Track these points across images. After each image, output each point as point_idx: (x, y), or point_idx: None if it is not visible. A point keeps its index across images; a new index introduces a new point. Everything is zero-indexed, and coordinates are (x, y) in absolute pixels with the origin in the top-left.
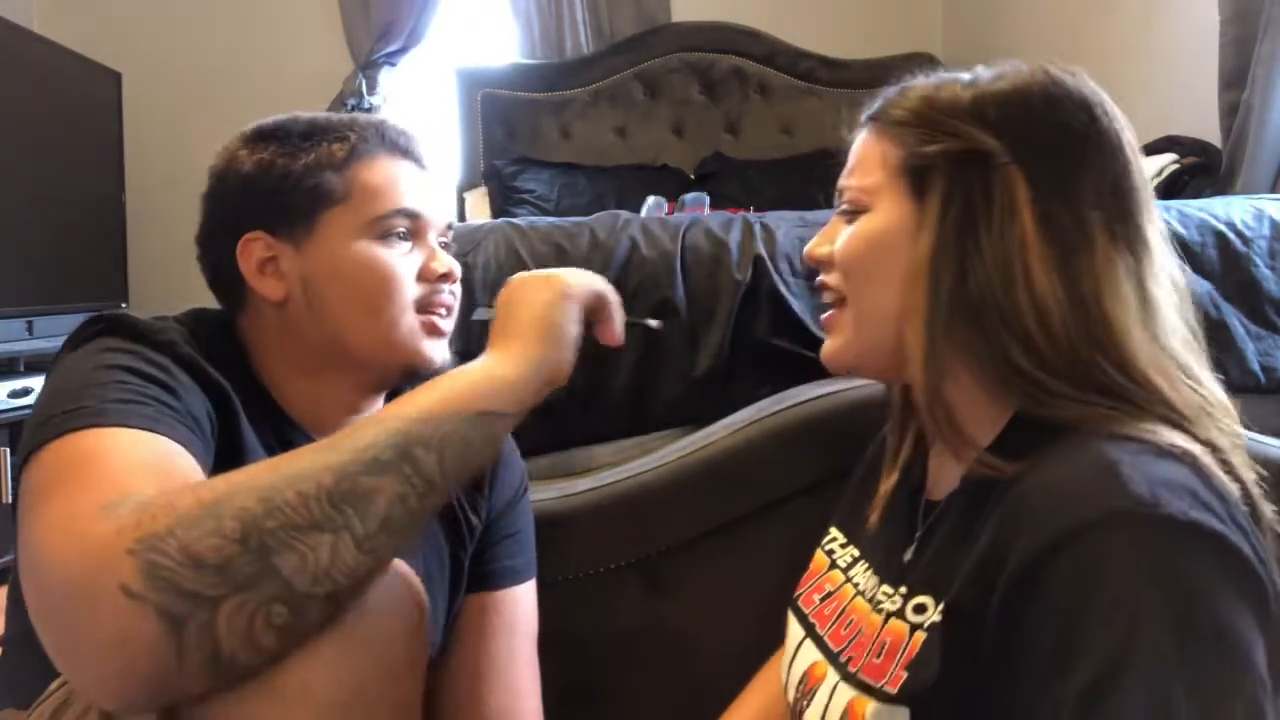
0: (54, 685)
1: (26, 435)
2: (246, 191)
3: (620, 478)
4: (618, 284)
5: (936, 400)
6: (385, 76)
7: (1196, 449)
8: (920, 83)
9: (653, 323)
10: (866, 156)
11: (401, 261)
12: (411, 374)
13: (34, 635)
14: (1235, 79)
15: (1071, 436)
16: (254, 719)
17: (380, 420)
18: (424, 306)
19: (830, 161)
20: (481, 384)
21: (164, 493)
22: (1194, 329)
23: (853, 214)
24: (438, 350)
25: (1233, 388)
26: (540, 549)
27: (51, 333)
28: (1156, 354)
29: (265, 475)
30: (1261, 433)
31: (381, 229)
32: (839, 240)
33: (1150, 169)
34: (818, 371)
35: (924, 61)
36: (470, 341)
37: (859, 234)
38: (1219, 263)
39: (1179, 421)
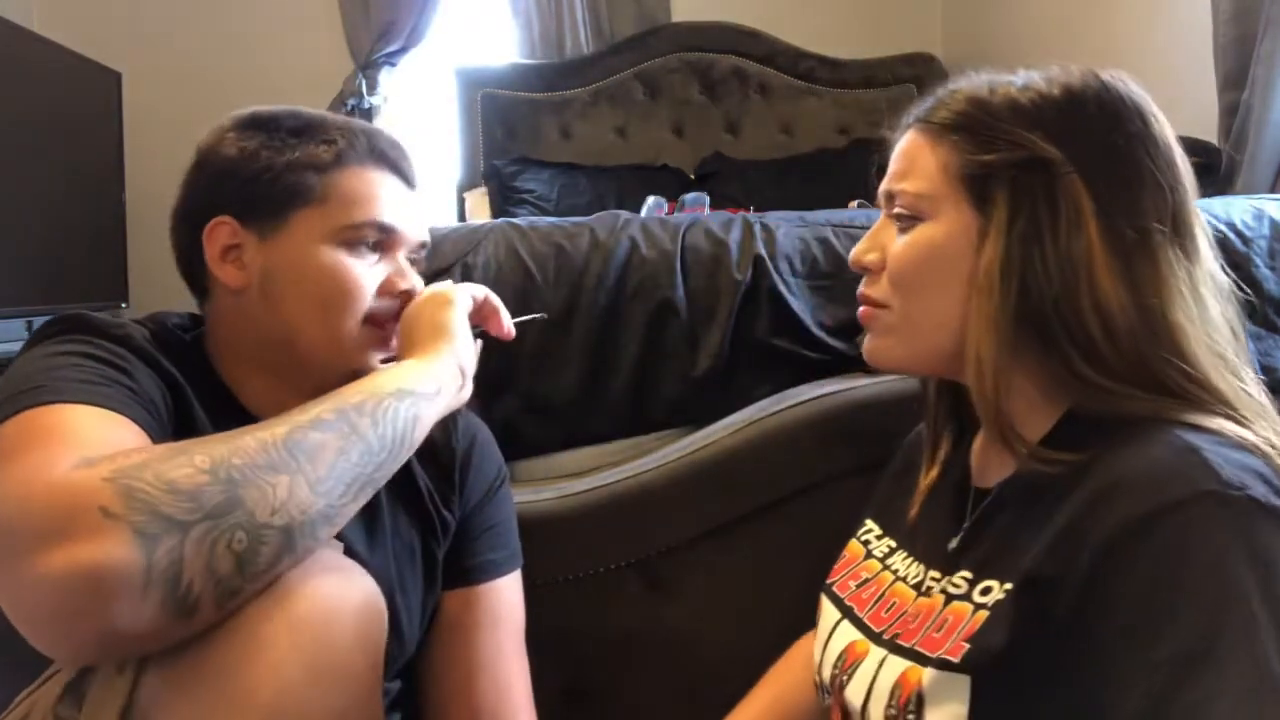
0: (20, 698)
1: None
2: (225, 176)
3: (620, 478)
4: (618, 283)
5: (994, 403)
6: (385, 76)
7: (1260, 442)
8: (969, 86)
9: (535, 316)
10: (919, 161)
11: (365, 272)
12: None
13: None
14: (1235, 79)
15: (1144, 425)
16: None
17: (321, 399)
18: (376, 320)
19: (871, 156)
20: (402, 372)
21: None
22: (1235, 329)
23: (909, 220)
24: (382, 363)
25: None
26: (540, 549)
27: None
28: (1213, 357)
29: (227, 434)
30: None
31: (350, 237)
32: (894, 248)
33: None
34: (818, 371)
35: (924, 61)
36: None
37: (918, 243)
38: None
39: (1240, 420)
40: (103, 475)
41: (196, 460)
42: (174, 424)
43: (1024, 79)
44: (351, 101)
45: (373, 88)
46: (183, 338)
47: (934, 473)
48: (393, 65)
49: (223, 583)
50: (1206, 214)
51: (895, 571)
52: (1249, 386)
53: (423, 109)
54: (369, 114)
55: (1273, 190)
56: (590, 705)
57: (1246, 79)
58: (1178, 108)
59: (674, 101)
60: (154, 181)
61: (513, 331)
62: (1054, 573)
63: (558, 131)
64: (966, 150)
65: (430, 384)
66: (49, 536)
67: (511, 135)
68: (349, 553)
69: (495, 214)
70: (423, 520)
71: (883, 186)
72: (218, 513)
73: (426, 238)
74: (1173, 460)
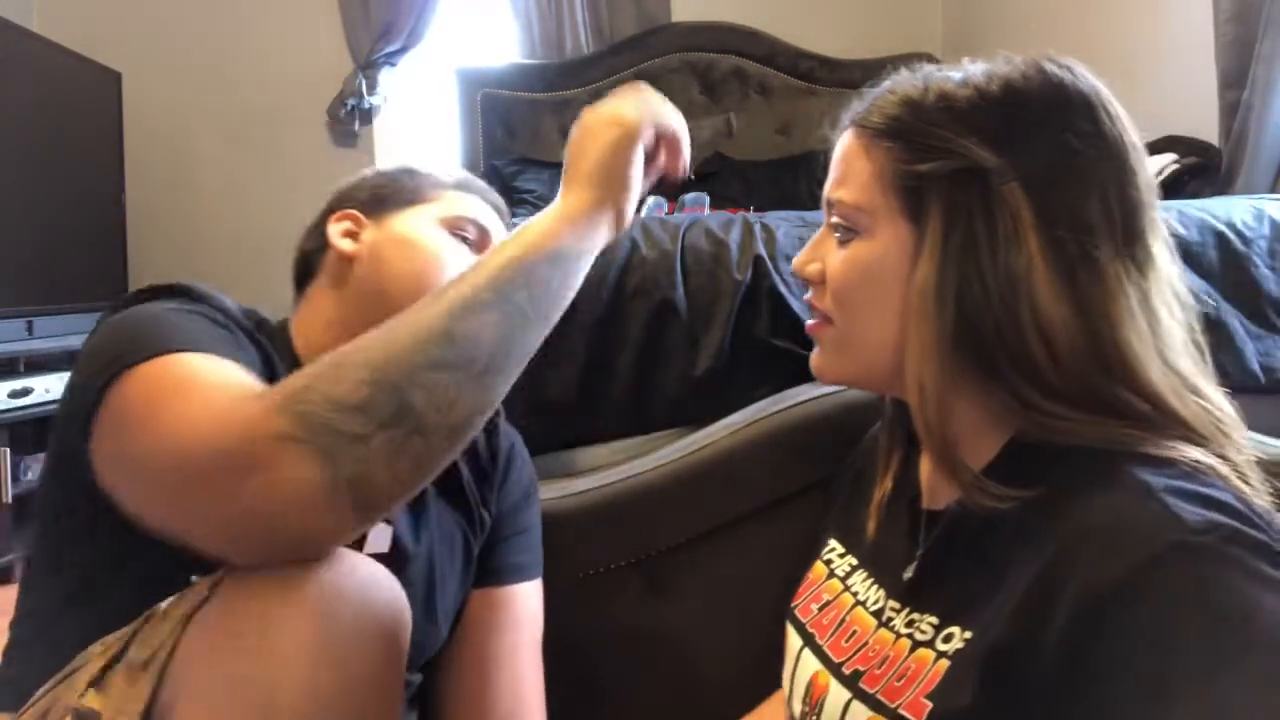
0: (40, 692)
1: (99, 366)
2: (357, 189)
3: (620, 478)
4: (618, 283)
5: (938, 430)
6: (385, 76)
7: (1216, 463)
8: (906, 85)
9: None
10: (856, 169)
11: (458, 256)
12: None
13: (35, 643)
14: (1235, 79)
15: (1095, 459)
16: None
17: (472, 271)
18: None
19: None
20: (553, 228)
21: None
22: (1199, 342)
23: (846, 233)
24: None
25: (1233, 388)
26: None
27: (51, 333)
28: (1167, 375)
29: (381, 332)
30: (1262, 433)
31: (455, 225)
32: (833, 263)
33: (1151, 169)
34: None
35: (924, 61)
36: None
37: (855, 261)
38: (1219, 263)
39: (1196, 440)
40: (274, 405)
41: (359, 373)
42: None
43: (964, 74)
44: (351, 101)
45: (373, 88)
46: (266, 318)
47: (887, 485)
48: (393, 65)
49: (403, 482)
50: (1207, 214)
51: (855, 594)
52: (1209, 403)
53: (423, 109)
54: (369, 114)
55: (1273, 190)
56: (590, 705)
57: (1246, 79)
58: (1178, 108)
59: (674, 101)
60: (154, 181)
61: (686, 171)
62: (1022, 634)
63: (558, 131)
64: (900, 159)
65: (581, 240)
66: (237, 468)
67: (511, 135)
68: (396, 541)
69: None
70: (465, 514)
71: (824, 192)
72: (392, 422)
73: None
74: (1137, 511)
